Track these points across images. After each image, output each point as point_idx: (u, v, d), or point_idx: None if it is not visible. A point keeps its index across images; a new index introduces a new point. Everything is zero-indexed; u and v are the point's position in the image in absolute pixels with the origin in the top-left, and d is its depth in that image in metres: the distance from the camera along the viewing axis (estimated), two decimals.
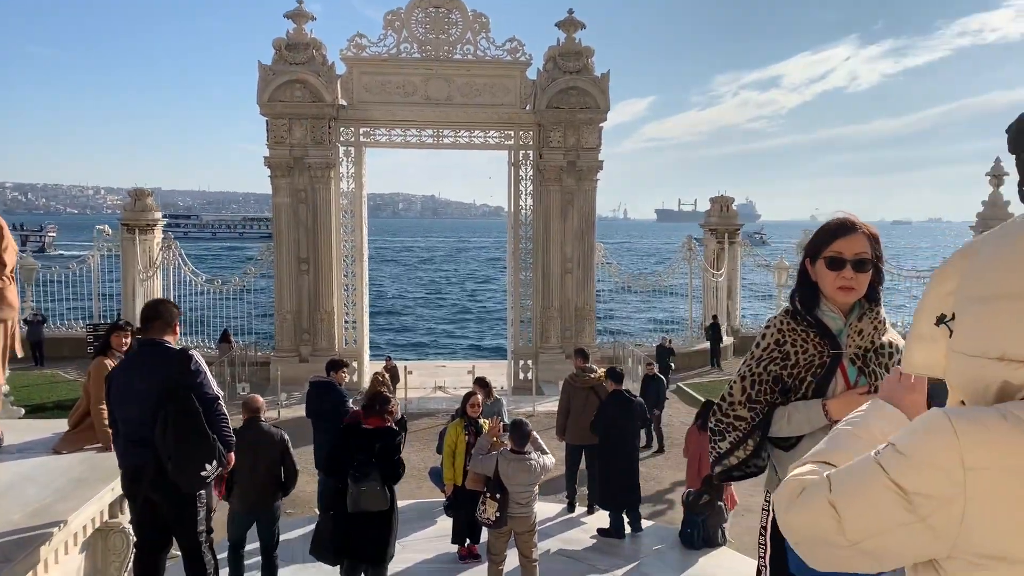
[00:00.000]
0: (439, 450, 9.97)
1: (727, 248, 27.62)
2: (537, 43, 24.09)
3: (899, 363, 3.06)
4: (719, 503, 8.53)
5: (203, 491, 5.24)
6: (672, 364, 21.44)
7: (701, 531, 8.30)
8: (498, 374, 23.83)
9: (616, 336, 27.11)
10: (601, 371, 10.26)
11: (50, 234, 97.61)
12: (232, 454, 5.33)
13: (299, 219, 22.38)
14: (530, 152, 23.29)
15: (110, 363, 6.20)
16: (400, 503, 8.93)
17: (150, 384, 5.10)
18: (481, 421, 8.14)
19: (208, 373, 5.33)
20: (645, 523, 9.62)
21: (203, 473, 5.08)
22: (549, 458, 6.97)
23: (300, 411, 19.43)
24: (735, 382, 3.12)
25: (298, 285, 22.51)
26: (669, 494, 13.97)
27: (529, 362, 23.34)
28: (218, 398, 5.33)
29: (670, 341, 23.12)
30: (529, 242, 23.52)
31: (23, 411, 17.30)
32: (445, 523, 8.64)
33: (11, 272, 5.84)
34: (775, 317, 3.12)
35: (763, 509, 3.14)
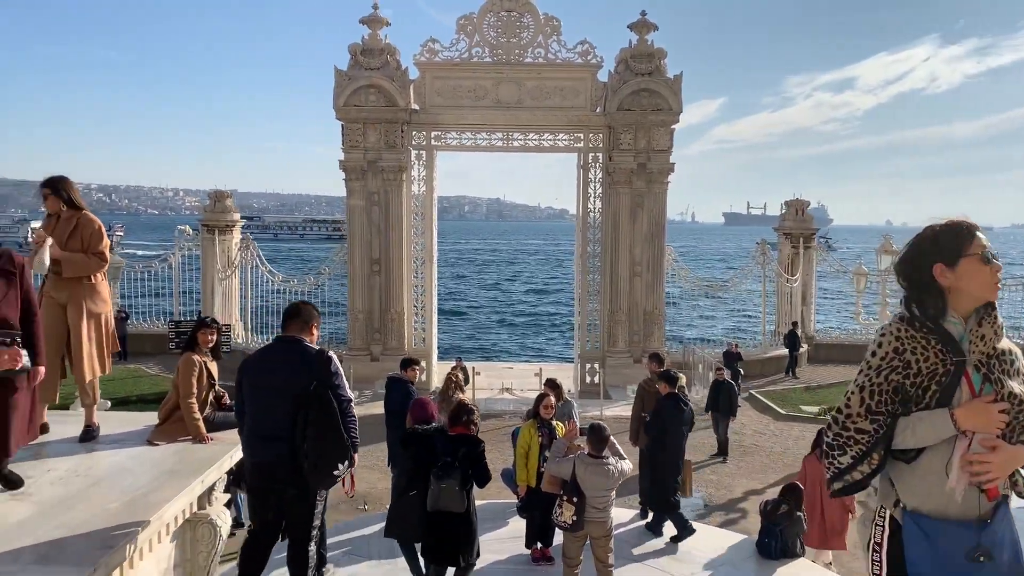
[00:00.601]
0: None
1: (802, 253, 26.99)
2: (608, 46, 23.96)
3: (1019, 370, 2.95)
4: (798, 513, 8.33)
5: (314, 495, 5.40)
6: (741, 370, 21.06)
7: (779, 541, 8.12)
8: (564, 377, 23.71)
9: (685, 342, 26.72)
10: (679, 376, 10.12)
11: (117, 233, 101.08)
12: (356, 455, 5.46)
13: (372, 221, 22.76)
14: (600, 155, 23.20)
15: (197, 359, 6.41)
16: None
17: (288, 381, 5.24)
18: (554, 423, 8.13)
19: (343, 375, 5.50)
20: (714, 530, 9.49)
21: (335, 472, 5.23)
22: (626, 463, 6.91)
23: (372, 408, 19.87)
24: (852, 393, 3.00)
25: (370, 285, 22.89)
26: (742, 503, 13.75)
27: (596, 365, 23.23)
28: (351, 399, 5.48)
29: (737, 346, 22.73)
30: (597, 245, 23.42)
31: (109, 403, 18.02)
32: (517, 524, 8.66)
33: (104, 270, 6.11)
34: (890, 324, 3.01)
35: (876, 524, 3.03)
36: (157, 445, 5.83)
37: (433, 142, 23.14)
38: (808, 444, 17.08)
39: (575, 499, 6.67)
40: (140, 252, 72.73)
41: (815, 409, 19.82)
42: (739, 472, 15.42)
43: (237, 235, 27.97)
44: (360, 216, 22.81)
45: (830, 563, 8.94)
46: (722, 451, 16.22)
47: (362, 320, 23.01)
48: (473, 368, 19.86)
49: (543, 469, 7.65)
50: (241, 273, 25.80)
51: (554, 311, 60.12)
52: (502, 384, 21.88)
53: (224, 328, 19.85)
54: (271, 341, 5.65)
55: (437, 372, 23.42)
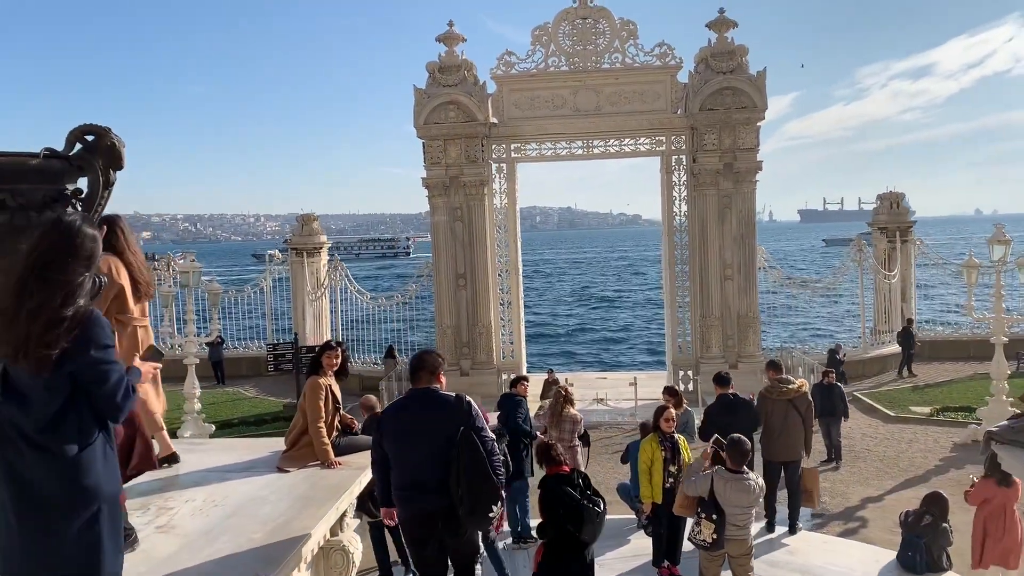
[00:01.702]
0: (623, 460, 9.74)
1: (899, 247, 25.86)
2: (686, 46, 23.50)
3: None
4: (943, 524, 7.80)
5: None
6: (844, 372, 20.25)
7: (923, 555, 7.61)
8: (656, 386, 23.30)
9: (783, 345, 25.88)
10: (800, 381, 9.70)
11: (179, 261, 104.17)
12: (503, 490, 5.45)
13: (456, 236, 22.82)
14: (683, 157, 22.75)
15: (323, 382, 6.37)
16: None
17: (433, 431, 5.30)
18: (676, 436, 7.83)
19: (483, 416, 5.59)
20: (848, 543, 9.02)
21: (491, 515, 5.23)
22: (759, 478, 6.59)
23: None
24: None
25: (456, 300, 22.93)
26: (860, 511, 13.14)
27: (690, 372, 22.71)
28: (494, 439, 5.50)
29: (839, 347, 21.86)
30: (685, 249, 22.93)
31: (213, 427, 18.49)
32: (639, 542, 8.40)
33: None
34: None
35: None
36: (287, 472, 5.81)
37: (513, 154, 23.10)
38: (925, 447, 16.37)
39: (714, 516, 6.37)
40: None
41: (927, 410, 18.89)
42: (853, 479, 14.74)
43: (324, 257, 28.49)
44: (444, 231, 22.90)
45: None
46: (835, 456, 15.54)
47: (450, 335, 23.04)
48: (567, 379, 19.63)
49: (667, 485, 7.38)
50: (331, 294, 26.22)
51: (631, 320, 59.41)
52: (596, 395, 21.57)
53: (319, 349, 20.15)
54: (405, 395, 5.67)
55: (529, 385, 23.25)
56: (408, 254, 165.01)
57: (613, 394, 21.48)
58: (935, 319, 30.37)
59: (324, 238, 28.86)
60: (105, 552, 3.08)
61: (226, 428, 19.40)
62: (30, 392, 3.05)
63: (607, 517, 9.63)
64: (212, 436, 17.21)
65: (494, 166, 23.06)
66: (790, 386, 9.42)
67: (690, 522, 6.93)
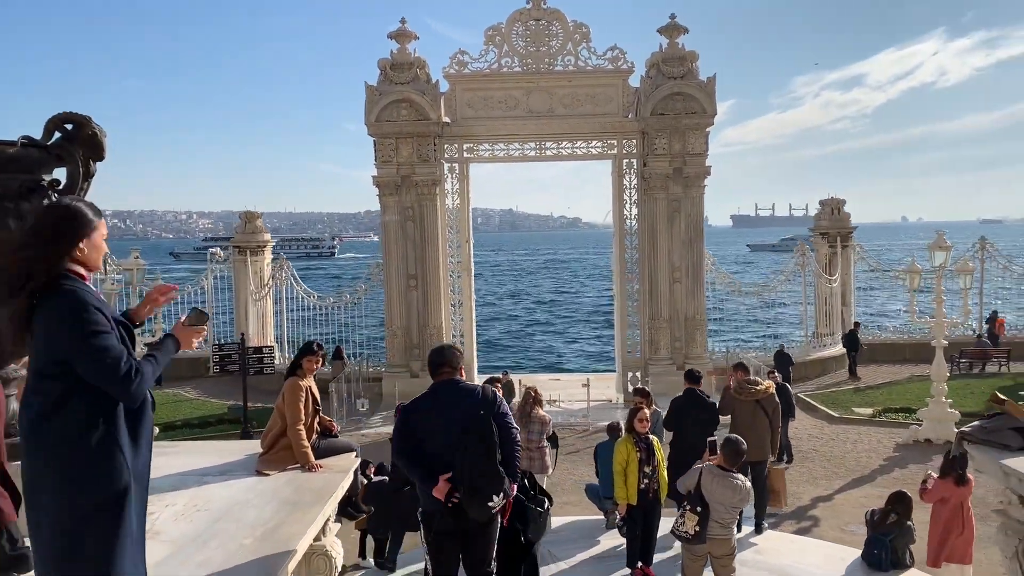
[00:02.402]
0: (597, 470, 9.75)
1: (840, 252, 26.61)
2: (637, 51, 23.75)
3: None
4: (908, 523, 8.01)
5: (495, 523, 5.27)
6: (791, 373, 20.72)
7: (888, 552, 7.80)
8: (605, 387, 23.52)
9: (729, 347, 26.35)
10: (768, 383, 9.85)
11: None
12: (515, 486, 5.34)
13: (407, 236, 22.59)
14: (634, 160, 22.97)
15: (303, 384, 6.18)
16: (557, 521, 8.78)
17: (458, 419, 5.21)
18: (651, 437, 7.85)
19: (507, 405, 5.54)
20: (813, 542, 9.22)
21: (490, 504, 5.09)
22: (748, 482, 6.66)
23: None
24: None
25: (407, 301, 22.69)
26: (812, 510, 13.38)
27: (638, 374, 22.93)
28: (518, 430, 5.46)
29: (784, 348, 22.36)
30: (635, 252, 23.16)
31: (156, 430, 17.90)
32: (609, 542, 8.40)
33: None
34: None
35: None
36: (267, 475, 5.63)
37: (466, 154, 23.00)
38: (869, 447, 16.84)
39: (699, 508, 6.40)
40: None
41: (869, 411, 19.44)
42: (802, 478, 15.05)
43: (268, 255, 27.92)
44: (395, 231, 22.65)
45: None
46: (787, 456, 15.84)
47: (400, 336, 22.79)
48: (520, 381, 19.61)
49: (642, 485, 7.41)
50: (276, 293, 25.68)
51: (571, 320, 59.84)
52: (548, 396, 21.54)
53: (267, 350, 19.74)
54: (429, 388, 5.55)
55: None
56: (333, 255, 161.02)
57: (564, 395, 21.56)
58: (870, 323, 31.38)
59: (268, 236, 28.30)
60: None
61: (169, 431, 18.77)
62: None
63: (578, 519, 9.68)
64: (155, 439, 16.64)
65: (446, 166, 22.91)
66: (758, 387, 9.57)
67: (666, 522, 6.96)
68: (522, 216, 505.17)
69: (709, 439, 6.81)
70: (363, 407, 20.03)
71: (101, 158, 4.76)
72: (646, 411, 7.98)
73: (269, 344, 22.60)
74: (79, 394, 3.05)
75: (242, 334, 20.74)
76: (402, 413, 5.49)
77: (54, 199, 4.68)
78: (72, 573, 3.01)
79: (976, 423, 5.69)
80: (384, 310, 23.19)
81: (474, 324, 23.97)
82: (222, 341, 21.47)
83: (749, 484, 6.58)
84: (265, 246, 27.67)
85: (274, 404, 6.25)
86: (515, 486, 5.36)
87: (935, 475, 8.09)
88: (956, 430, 16.19)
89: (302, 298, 25.36)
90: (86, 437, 3.04)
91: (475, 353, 23.86)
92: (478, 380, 23.41)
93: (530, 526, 6.22)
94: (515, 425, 5.39)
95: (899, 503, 8.17)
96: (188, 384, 25.39)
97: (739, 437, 6.73)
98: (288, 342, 25.74)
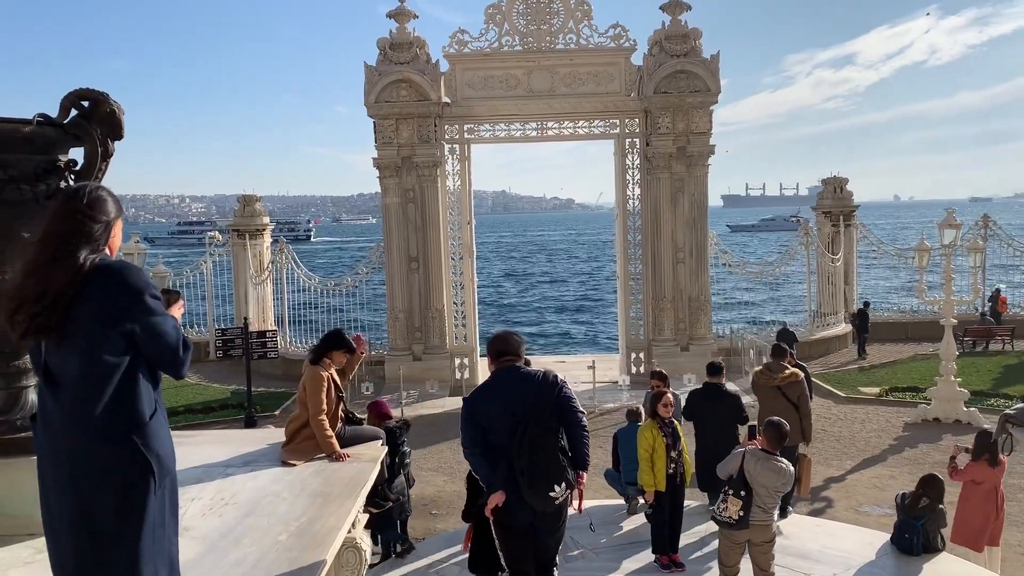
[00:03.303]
0: (614, 453, 9.61)
1: (842, 231, 26.47)
2: (640, 28, 23.45)
3: None
4: (940, 506, 7.89)
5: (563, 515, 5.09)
6: (795, 351, 20.61)
7: (920, 536, 7.68)
8: (608, 369, 23.39)
9: (734, 328, 26.24)
10: (794, 369, 9.66)
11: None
12: (584, 474, 5.15)
13: (408, 218, 22.34)
14: (637, 140, 22.71)
15: (325, 373, 5.99)
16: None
17: (517, 403, 5.05)
18: (674, 421, 7.69)
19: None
20: (840, 525, 9.14)
21: (552, 494, 4.90)
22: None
23: (420, 410, 19.57)
24: None
25: (409, 284, 22.47)
26: (824, 491, 13.34)
27: (642, 355, 22.83)
28: (584, 414, 5.30)
29: (787, 327, 22.27)
30: (638, 232, 22.96)
31: None
32: (632, 528, 8.29)
33: None
34: None
35: None
36: (293, 465, 5.45)
37: (467, 135, 22.70)
38: (878, 427, 16.75)
39: (743, 493, 6.24)
40: None
41: (876, 390, 19.36)
42: (814, 459, 14.81)
43: (268, 239, 27.66)
44: (396, 213, 22.38)
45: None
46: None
47: (402, 320, 22.59)
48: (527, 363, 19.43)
49: (670, 471, 7.27)
50: (276, 276, 25.43)
51: (574, 301, 59.72)
52: None
53: (270, 334, 19.54)
54: (490, 376, 5.40)
55: (481, 369, 23.03)
56: (309, 238, 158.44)
57: (569, 378, 21.30)
58: (873, 302, 31.29)
59: (267, 220, 28.01)
60: None
61: (172, 416, 18.52)
62: None
63: (596, 504, 9.54)
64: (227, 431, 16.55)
65: (447, 147, 22.62)
66: (777, 373, 9.38)
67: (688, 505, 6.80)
68: (515, 198, 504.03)
69: (750, 424, 6.66)
70: (368, 391, 19.88)
71: (120, 137, 4.54)
72: (669, 396, 7.82)
73: (272, 328, 22.38)
74: (142, 367, 2.94)
75: (245, 319, 20.51)
76: (466, 407, 5.26)
77: (71, 181, 4.48)
78: None
79: (1020, 405, 5.55)
80: (386, 293, 22.96)
81: (476, 306, 23.77)
82: (224, 326, 21.22)
83: (792, 468, 6.43)
84: (264, 229, 27.40)
85: (277, 388, 6.09)
86: (584, 473, 5.14)
87: (964, 452, 7.99)
88: (965, 408, 16.19)
89: (302, 281, 25.09)
90: (157, 413, 3.01)
91: (477, 335, 23.67)
92: (480, 362, 23.34)
93: None
94: (581, 408, 5.20)
95: (931, 486, 8.04)
96: (190, 368, 25.17)
97: (781, 420, 6.58)
98: (289, 325, 25.49)
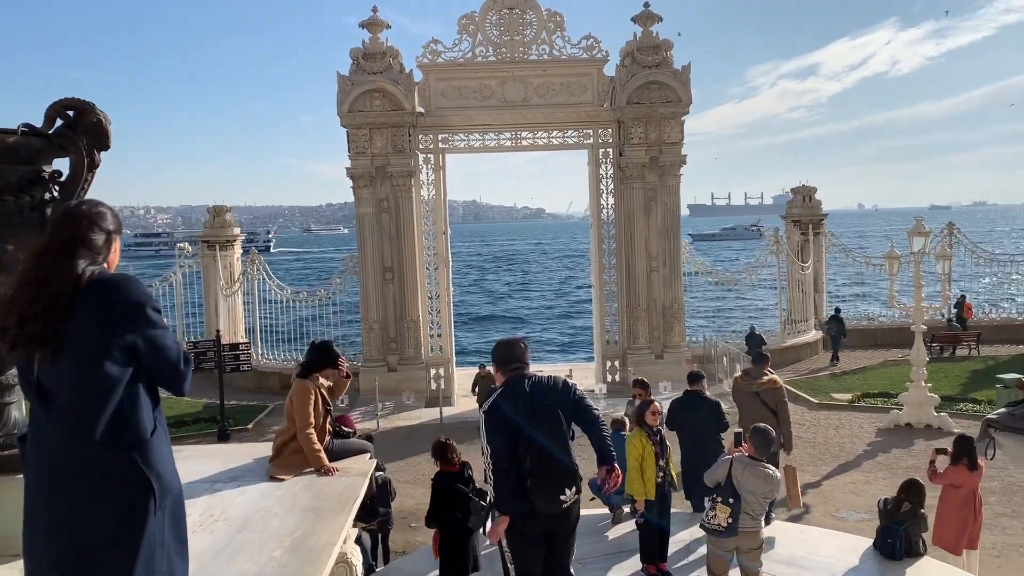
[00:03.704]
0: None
1: (812, 240, 26.83)
2: (612, 40, 23.55)
3: None
4: (921, 511, 7.99)
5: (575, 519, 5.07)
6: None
7: (902, 541, 7.77)
8: (583, 376, 23.44)
9: (707, 336, 26.43)
10: (773, 376, 9.74)
11: None
12: (605, 469, 5.07)
13: (382, 228, 22.23)
14: (610, 150, 22.87)
15: (312, 386, 5.90)
16: None
17: (527, 410, 5.01)
18: (661, 429, 7.71)
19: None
20: (823, 531, 9.22)
21: (562, 498, 4.83)
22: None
23: (396, 422, 19.43)
24: None
25: (383, 294, 22.34)
26: (802, 497, 13.40)
27: (617, 363, 22.92)
28: (600, 412, 5.35)
29: (755, 329, 22.51)
30: (612, 242, 23.08)
31: None
32: (617, 538, 8.27)
33: None
34: None
35: None
36: (282, 480, 5.37)
37: (441, 145, 22.68)
38: (851, 432, 16.94)
39: (731, 500, 6.26)
40: None
41: (848, 396, 19.60)
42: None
43: (238, 250, 27.36)
44: (370, 223, 22.26)
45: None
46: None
47: (377, 330, 22.44)
48: None
49: (659, 479, 7.29)
50: (247, 288, 25.14)
51: (538, 310, 59.83)
52: None
53: (243, 346, 19.32)
54: (501, 385, 5.23)
55: (457, 380, 22.96)
56: (268, 249, 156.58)
57: None
58: (845, 310, 31.72)
59: (237, 231, 27.71)
60: None
61: None
62: None
63: (581, 514, 9.51)
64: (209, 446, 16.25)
65: (421, 157, 22.58)
66: (756, 379, 9.47)
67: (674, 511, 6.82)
68: (485, 207, 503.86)
69: (735, 431, 6.71)
70: (343, 403, 19.69)
71: (106, 147, 4.46)
72: (657, 404, 7.84)
73: (244, 341, 22.10)
74: (142, 383, 2.88)
75: (217, 331, 20.24)
76: (487, 419, 5.06)
77: (55, 192, 4.40)
78: None
79: (1002, 410, 5.65)
80: (360, 304, 22.79)
81: (451, 317, 23.69)
82: (196, 339, 20.92)
83: (779, 474, 6.47)
84: (235, 240, 27.10)
85: (249, 401, 6.01)
86: (605, 469, 5.05)
87: (942, 455, 8.11)
88: (935, 413, 16.44)
89: (274, 292, 24.83)
90: (158, 430, 2.92)
91: (452, 345, 23.60)
92: (456, 372, 23.27)
93: (472, 517, 7.13)
94: (596, 408, 5.19)
95: (912, 491, 8.14)
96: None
97: (767, 427, 6.62)
98: (261, 338, 25.20)
